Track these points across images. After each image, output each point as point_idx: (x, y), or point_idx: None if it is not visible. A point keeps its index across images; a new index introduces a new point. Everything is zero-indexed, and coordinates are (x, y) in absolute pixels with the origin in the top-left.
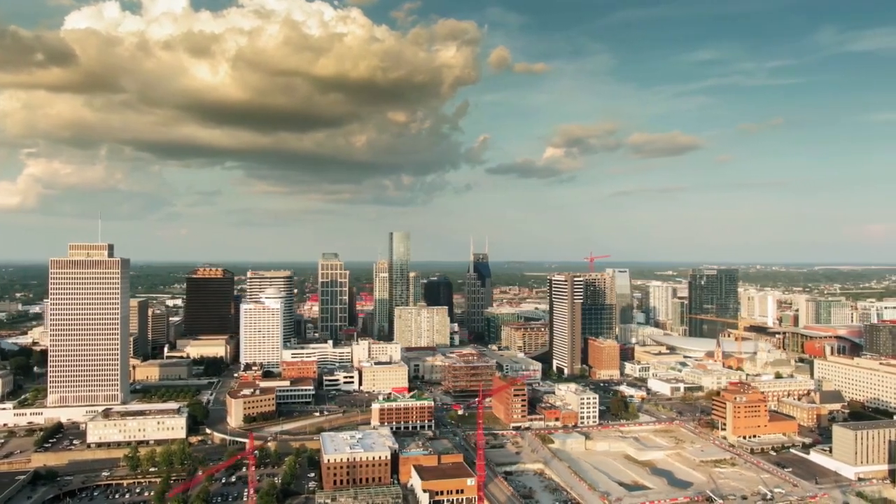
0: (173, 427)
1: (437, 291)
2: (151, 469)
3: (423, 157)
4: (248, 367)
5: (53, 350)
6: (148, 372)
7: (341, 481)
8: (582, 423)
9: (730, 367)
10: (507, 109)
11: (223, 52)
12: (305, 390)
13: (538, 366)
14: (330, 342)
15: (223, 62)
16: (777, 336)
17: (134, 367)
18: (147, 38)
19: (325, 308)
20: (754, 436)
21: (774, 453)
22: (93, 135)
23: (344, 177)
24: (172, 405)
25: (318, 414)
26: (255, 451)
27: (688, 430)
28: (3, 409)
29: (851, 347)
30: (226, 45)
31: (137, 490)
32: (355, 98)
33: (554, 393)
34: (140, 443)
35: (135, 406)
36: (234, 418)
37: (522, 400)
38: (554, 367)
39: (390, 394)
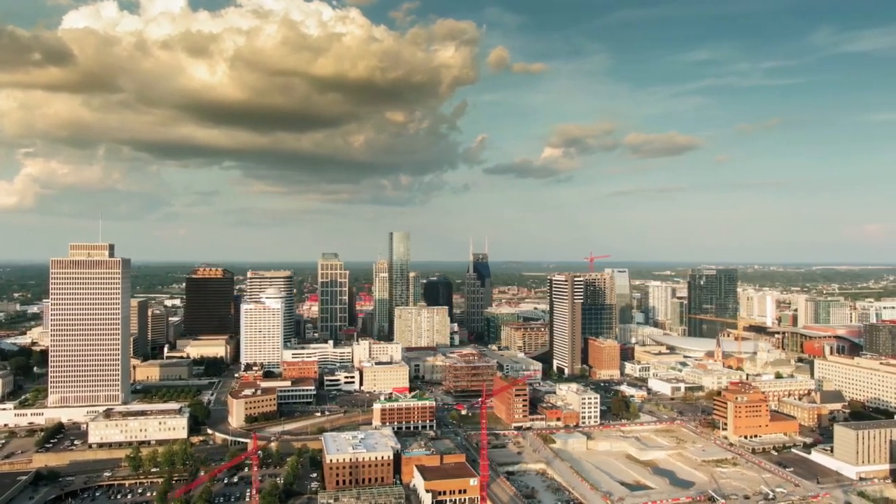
0: (175, 427)
1: (436, 291)
2: (153, 469)
3: (422, 156)
4: (248, 367)
5: (54, 350)
6: (148, 372)
7: (344, 481)
8: (583, 422)
9: (730, 367)
10: (505, 109)
11: (221, 52)
12: (306, 390)
13: (538, 366)
14: (330, 342)
15: (221, 62)
16: (776, 336)
17: (134, 368)
18: (145, 38)
19: (324, 308)
20: (755, 435)
21: (776, 453)
22: (90, 134)
23: (342, 177)
24: (174, 405)
25: (319, 414)
26: (259, 452)
27: (689, 429)
28: (4, 409)
29: (851, 347)
30: (224, 44)
31: (139, 490)
32: (353, 98)
33: (555, 393)
34: (141, 443)
35: (136, 406)
36: (236, 418)
37: (524, 400)
38: (554, 367)
39: (391, 394)
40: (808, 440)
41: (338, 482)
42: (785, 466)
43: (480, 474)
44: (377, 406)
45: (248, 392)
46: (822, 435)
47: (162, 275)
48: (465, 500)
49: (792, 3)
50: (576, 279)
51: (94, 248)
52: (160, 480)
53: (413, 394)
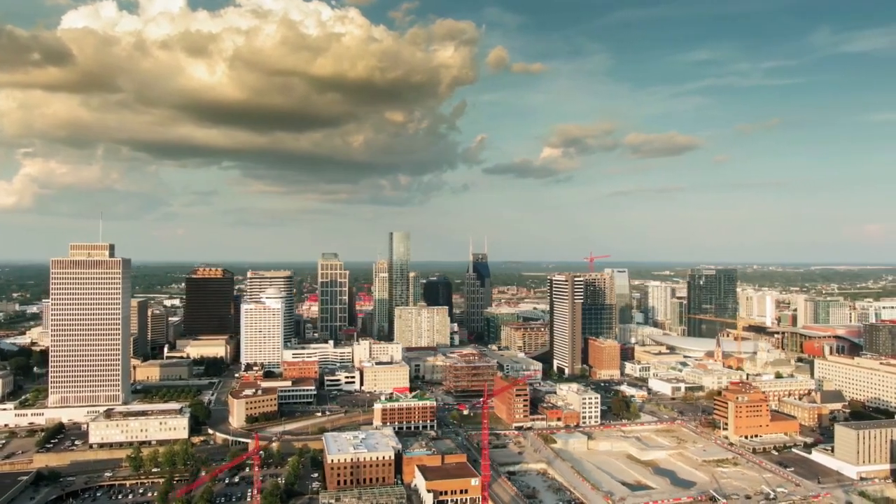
0: (175, 427)
1: (436, 291)
2: (154, 469)
3: (421, 156)
4: (248, 367)
5: (54, 350)
6: (148, 372)
7: (345, 481)
8: (584, 422)
9: (730, 367)
10: (504, 109)
11: (220, 52)
12: (307, 390)
13: (539, 366)
14: (331, 342)
15: (220, 62)
16: (776, 336)
17: (134, 368)
18: (144, 38)
19: (324, 308)
20: (756, 435)
21: (776, 453)
22: (89, 134)
23: (341, 177)
24: (174, 405)
25: (320, 414)
26: (260, 452)
27: (689, 429)
28: (4, 409)
29: (850, 347)
30: (223, 44)
31: (140, 490)
32: (353, 98)
33: (555, 393)
34: (142, 443)
35: (137, 406)
36: (237, 418)
37: (524, 400)
38: (554, 367)
39: (392, 394)
40: (809, 440)
41: (339, 482)
42: (786, 466)
43: (482, 474)
44: (378, 406)
45: (248, 392)
46: (823, 435)
47: (161, 275)
48: (466, 500)
49: (791, 4)
50: (576, 279)
51: (95, 248)
52: (161, 480)
53: (414, 394)
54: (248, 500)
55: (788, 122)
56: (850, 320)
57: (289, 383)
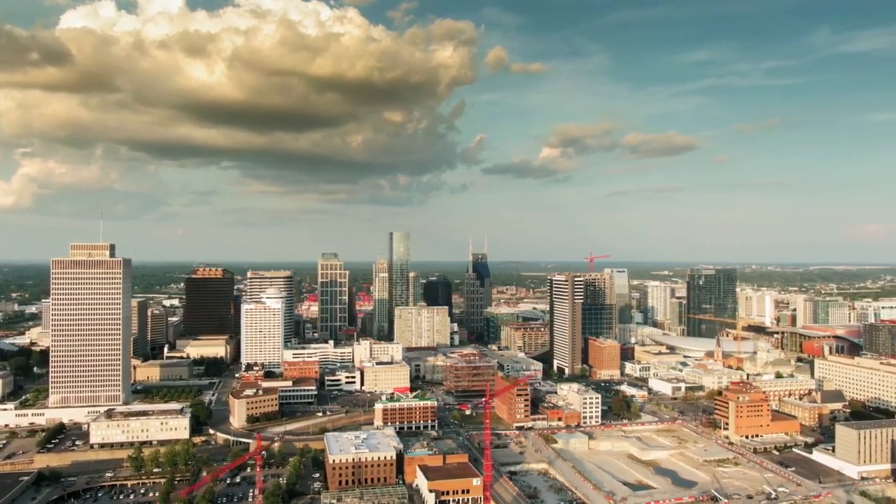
0: (177, 427)
1: (435, 291)
2: (155, 470)
3: (420, 156)
4: (249, 367)
5: (55, 350)
6: (149, 372)
7: (347, 481)
8: (585, 422)
9: (730, 367)
10: (503, 109)
11: (219, 52)
12: (308, 390)
13: (539, 366)
14: (331, 342)
15: (219, 62)
16: (775, 336)
17: (135, 368)
18: (143, 38)
19: (324, 308)
20: (757, 435)
21: (777, 453)
22: (88, 134)
23: (340, 177)
24: (175, 405)
25: (320, 414)
26: (262, 452)
27: (690, 429)
28: (5, 409)
29: (850, 347)
30: (222, 44)
31: (142, 491)
32: (352, 98)
33: (556, 393)
34: (143, 443)
35: (138, 406)
36: (238, 418)
37: (525, 400)
38: (554, 367)
39: (393, 394)
40: (810, 440)
41: (341, 482)
42: (787, 466)
43: (484, 474)
44: (379, 406)
45: (249, 392)
46: (824, 434)
47: (160, 275)
48: (468, 500)
49: (791, 4)
50: (576, 279)
51: (95, 248)
52: (162, 481)
53: (415, 394)
54: (250, 500)
55: (788, 123)
56: (850, 320)
57: (289, 383)
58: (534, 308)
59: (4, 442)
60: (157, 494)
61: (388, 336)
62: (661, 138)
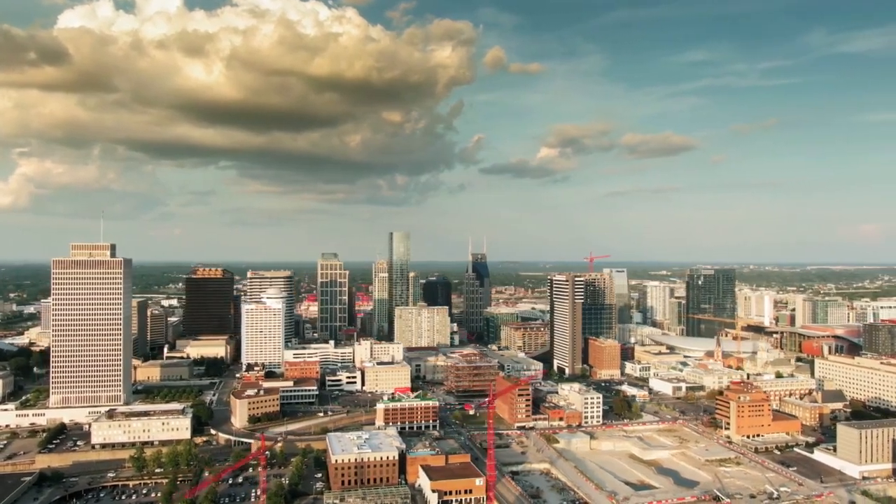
0: (178, 428)
1: (435, 291)
2: (157, 470)
3: (418, 156)
4: (249, 367)
5: (56, 350)
6: (149, 372)
7: (349, 482)
8: (586, 422)
9: (730, 367)
10: (501, 109)
11: (217, 52)
12: (309, 391)
13: (540, 365)
14: (332, 342)
15: (217, 61)
16: (774, 336)
17: (135, 368)
18: (141, 38)
19: (324, 308)
20: (758, 435)
21: (778, 452)
22: (86, 134)
23: (338, 177)
24: (176, 406)
25: (322, 414)
26: (266, 452)
27: (691, 429)
28: (5, 410)
29: (849, 347)
30: (220, 44)
31: (144, 491)
32: (350, 98)
33: (557, 393)
34: (145, 444)
35: (139, 407)
36: (239, 419)
37: (527, 400)
38: (555, 367)
39: (394, 394)
40: (811, 439)
41: (343, 482)
42: (788, 466)
43: (488, 474)
44: (380, 406)
45: (251, 392)
46: (824, 434)
47: (158, 275)
48: (471, 499)
49: (788, 4)
50: (576, 279)
51: (96, 248)
52: (164, 481)
53: (416, 394)
54: (253, 500)
55: (785, 123)
56: (848, 320)
57: (290, 383)
58: (533, 308)
59: (5, 442)
60: (159, 495)
61: (387, 336)
62: (658, 139)
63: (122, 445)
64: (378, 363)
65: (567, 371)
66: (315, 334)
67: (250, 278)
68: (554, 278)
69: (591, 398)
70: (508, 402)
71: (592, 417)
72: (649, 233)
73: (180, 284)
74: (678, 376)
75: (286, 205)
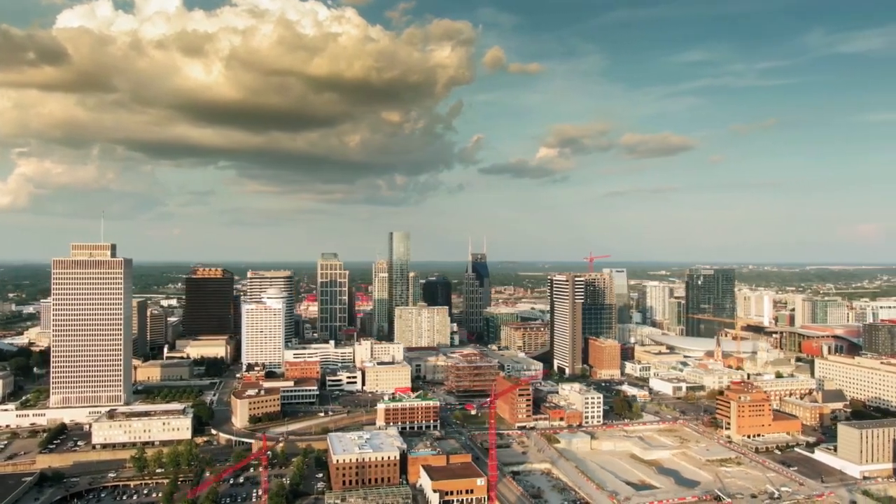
0: (179, 428)
1: (435, 291)
2: (158, 470)
3: (417, 156)
4: (250, 367)
5: (56, 351)
6: (149, 372)
7: (350, 482)
8: (586, 422)
9: (730, 367)
10: (500, 109)
11: (217, 52)
12: (309, 391)
13: (540, 365)
14: (332, 342)
15: (216, 61)
16: (774, 336)
17: (135, 368)
18: (140, 38)
19: (324, 308)
20: (758, 435)
21: (779, 452)
22: (85, 134)
23: (337, 176)
24: (177, 406)
25: (322, 414)
26: (268, 452)
27: (692, 429)
28: (6, 410)
29: (849, 347)
30: (219, 44)
31: (145, 491)
32: (349, 98)
33: (557, 393)
34: (146, 444)
35: (140, 407)
36: (240, 419)
37: (527, 400)
38: (555, 367)
39: (395, 394)
40: (811, 439)
41: (344, 482)
42: (789, 465)
43: (489, 474)
44: (381, 406)
45: (251, 392)
46: (825, 434)
47: (157, 275)
48: (472, 499)
49: (786, 4)
50: (577, 279)
51: (97, 248)
52: (165, 481)
53: (417, 394)
54: (254, 500)
55: (784, 123)
56: (848, 320)
57: (291, 383)
58: (532, 308)
59: (6, 442)
60: (160, 495)
61: (387, 336)
62: (657, 139)
63: (123, 445)
64: (378, 363)
65: (567, 371)
66: (315, 334)
67: (250, 278)
68: (554, 278)
69: (592, 398)
70: (509, 402)
71: (593, 417)
72: (648, 233)
73: (180, 284)
74: (678, 376)
75: (285, 205)
